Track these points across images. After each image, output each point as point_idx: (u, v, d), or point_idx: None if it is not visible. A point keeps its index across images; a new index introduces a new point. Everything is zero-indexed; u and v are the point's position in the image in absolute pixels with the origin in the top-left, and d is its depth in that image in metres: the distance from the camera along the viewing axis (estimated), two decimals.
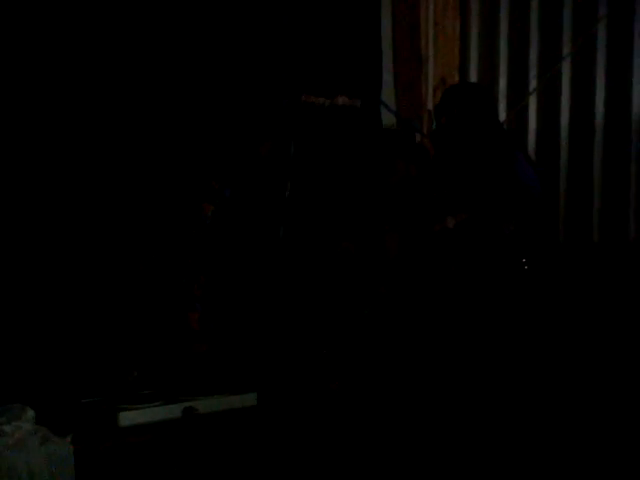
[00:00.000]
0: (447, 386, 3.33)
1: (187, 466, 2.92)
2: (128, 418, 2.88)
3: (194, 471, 2.93)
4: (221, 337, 3.41)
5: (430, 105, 4.22)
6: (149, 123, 3.39)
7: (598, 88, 3.92)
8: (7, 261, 3.09)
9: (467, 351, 3.30)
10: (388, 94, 4.19)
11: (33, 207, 3.15)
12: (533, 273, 3.34)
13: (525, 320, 3.31)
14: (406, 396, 3.45)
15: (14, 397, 2.74)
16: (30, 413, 2.59)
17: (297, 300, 3.68)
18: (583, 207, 3.96)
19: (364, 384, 3.53)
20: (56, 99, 3.19)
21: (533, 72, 4.12)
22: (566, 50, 3.99)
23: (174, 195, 3.38)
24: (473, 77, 4.32)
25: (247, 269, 3.52)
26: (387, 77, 4.21)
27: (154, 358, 3.27)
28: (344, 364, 3.57)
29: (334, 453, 3.18)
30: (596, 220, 3.93)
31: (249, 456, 3.04)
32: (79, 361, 3.17)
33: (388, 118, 4.17)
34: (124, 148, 3.33)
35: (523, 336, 3.29)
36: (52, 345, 3.14)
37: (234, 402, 3.14)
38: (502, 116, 4.07)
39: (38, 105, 3.16)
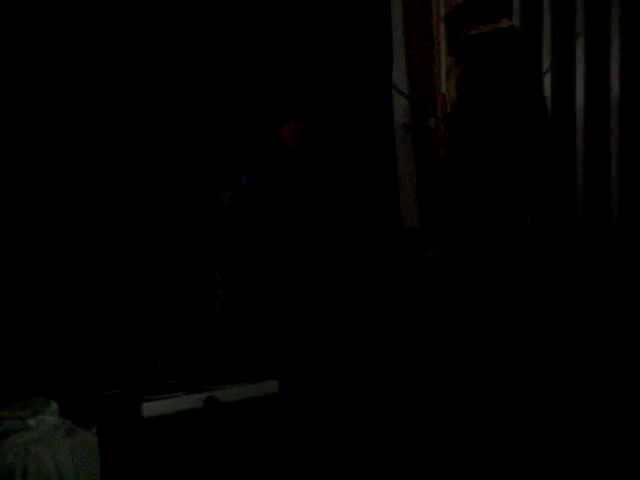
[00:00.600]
0: (463, 379, 3.29)
1: (210, 455, 2.93)
2: (151, 409, 2.90)
3: (217, 460, 2.94)
4: (244, 322, 3.41)
5: (443, 88, 4.20)
6: (165, 111, 3.39)
7: (613, 65, 3.88)
8: (29, 254, 3.11)
9: (484, 342, 3.26)
10: (401, 78, 4.17)
11: (50, 194, 3.17)
12: (550, 257, 3.29)
13: (542, 310, 3.26)
14: (423, 386, 3.44)
15: (38, 391, 2.76)
16: (54, 406, 2.61)
17: (315, 286, 3.68)
18: (601, 186, 3.92)
19: (386, 371, 3.53)
20: (71, 84, 3.20)
21: (547, 49, 4.08)
22: (580, 28, 3.96)
23: (191, 182, 3.39)
24: None
25: (268, 255, 3.52)
26: (399, 61, 4.18)
27: (178, 348, 3.28)
28: (365, 350, 3.57)
29: (354, 441, 3.18)
30: (615, 199, 3.89)
31: (271, 444, 3.05)
32: (102, 353, 3.19)
33: (401, 102, 4.16)
34: (142, 136, 3.34)
35: (540, 328, 3.24)
36: (75, 338, 3.16)
37: (256, 390, 3.15)
38: None
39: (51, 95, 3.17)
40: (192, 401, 3.00)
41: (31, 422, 2.52)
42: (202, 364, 3.27)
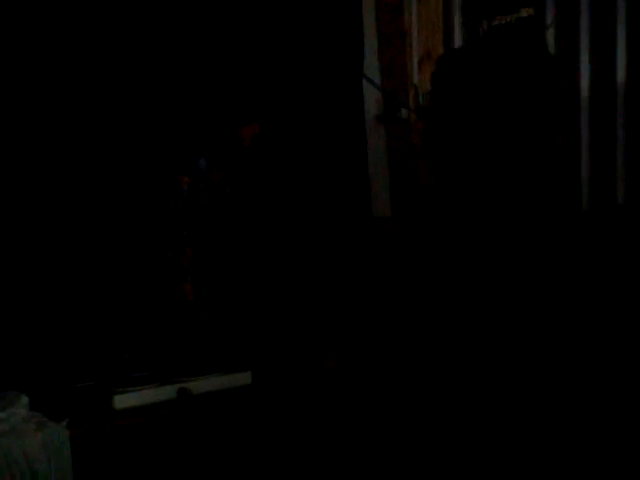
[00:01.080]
0: (451, 375, 3.28)
1: (183, 447, 2.92)
2: (123, 401, 2.88)
3: (190, 452, 2.93)
4: (216, 310, 3.40)
5: (415, 79, 4.21)
6: (123, 97, 3.35)
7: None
8: None
9: (477, 339, 3.24)
10: (372, 71, 4.18)
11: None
12: (553, 250, 3.24)
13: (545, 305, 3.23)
14: (405, 378, 3.43)
15: (7, 384, 2.74)
16: (24, 399, 2.59)
17: (286, 277, 3.68)
18: (606, 170, 3.88)
19: (361, 362, 3.53)
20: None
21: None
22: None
23: (149, 168, 3.35)
24: None
25: (234, 243, 3.50)
26: (371, 52, 4.19)
27: (150, 338, 3.26)
28: (340, 340, 3.57)
29: (330, 435, 3.18)
30: (620, 184, 3.86)
31: (245, 436, 3.04)
32: (72, 345, 3.16)
33: (372, 93, 4.16)
34: (96, 122, 3.29)
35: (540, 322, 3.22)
36: (43, 330, 3.12)
37: (229, 381, 3.14)
38: None
39: None
40: (165, 393, 2.99)
41: (1, 415, 2.49)
42: (174, 355, 3.26)
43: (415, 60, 4.25)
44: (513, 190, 3.20)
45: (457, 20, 4.26)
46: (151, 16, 3.41)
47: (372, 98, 4.18)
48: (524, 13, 3.18)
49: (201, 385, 3.07)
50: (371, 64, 4.17)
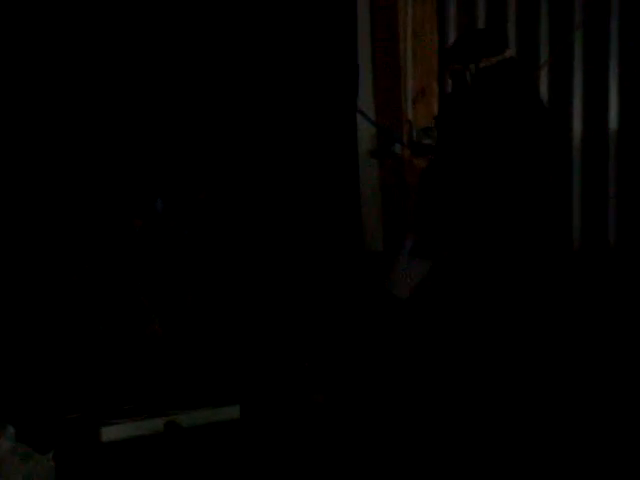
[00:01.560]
0: (439, 400, 3.28)
1: None
2: (110, 433, 2.86)
3: None
4: (188, 344, 3.39)
5: (410, 115, 4.23)
6: (79, 136, 3.38)
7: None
8: None
9: (463, 357, 3.25)
10: (367, 106, 4.20)
11: None
12: (543, 282, 3.26)
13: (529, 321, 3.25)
14: (394, 414, 3.42)
15: None
16: (10, 430, 2.56)
17: (277, 310, 3.67)
18: (598, 211, 3.93)
19: (350, 397, 3.52)
20: None
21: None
22: (544, 56, 4.03)
23: (105, 209, 3.37)
24: None
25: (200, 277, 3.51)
26: (366, 89, 4.22)
27: (135, 372, 3.25)
28: (329, 376, 3.56)
29: (319, 467, 3.16)
30: (612, 224, 3.90)
31: (232, 469, 3.02)
32: (60, 377, 3.14)
33: (366, 128, 4.18)
34: (57, 161, 3.32)
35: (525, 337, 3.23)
36: (32, 362, 3.11)
37: (217, 415, 3.12)
38: None
39: None
40: (152, 426, 2.96)
41: None
42: (162, 388, 3.24)
43: (410, 96, 4.28)
44: (504, 227, 3.25)
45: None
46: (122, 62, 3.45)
47: (366, 133, 4.20)
48: (507, 54, 3.28)
49: (189, 418, 3.04)
50: (365, 99, 4.19)
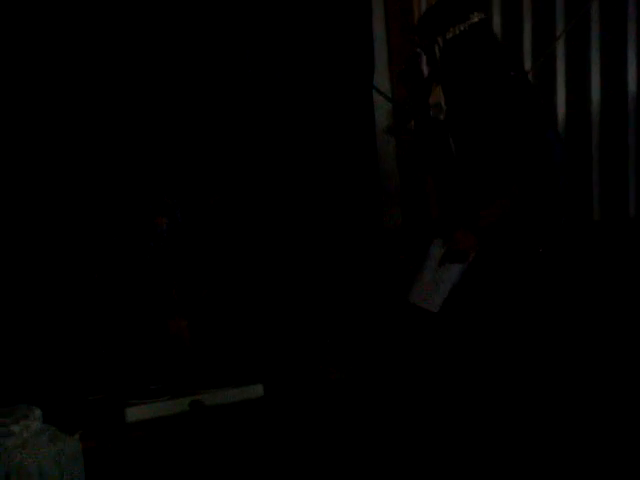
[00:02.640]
0: (450, 381, 3.26)
1: (195, 459, 2.92)
2: (135, 414, 2.89)
3: (202, 464, 2.93)
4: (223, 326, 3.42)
5: None
6: (101, 138, 3.42)
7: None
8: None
9: (474, 345, 3.21)
10: (383, 82, 4.19)
11: None
12: (565, 261, 3.19)
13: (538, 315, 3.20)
14: (407, 390, 3.41)
15: (21, 397, 2.75)
16: (37, 412, 2.59)
17: (296, 289, 3.69)
18: (618, 182, 3.90)
19: (365, 375, 3.52)
20: None
21: (528, 56, 4.10)
22: (560, 29, 3.98)
23: (128, 211, 3.41)
24: None
25: (226, 270, 3.54)
26: (381, 64, 4.20)
27: (160, 353, 3.28)
28: (345, 354, 3.57)
29: (337, 445, 3.18)
30: (633, 196, 3.87)
31: (256, 448, 3.04)
32: (85, 358, 3.17)
33: (383, 104, 4.17)
34: (80, 164, 3.37)
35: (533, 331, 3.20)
36: (57, 344, 3.14)
37: (241, 394, 3.14)
38: None
39: None
40: (177, 405, 2.99)
41: (14, 428, 2.50)
42: (186, 368, 3.26)
43: (425, 71, 4.24)
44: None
45: None
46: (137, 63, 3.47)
47: (383, 109, 4.18)
48: (475, 18, 3.13)
49: (214, 397, 3.06)
50: (382, 76, 4.17)
